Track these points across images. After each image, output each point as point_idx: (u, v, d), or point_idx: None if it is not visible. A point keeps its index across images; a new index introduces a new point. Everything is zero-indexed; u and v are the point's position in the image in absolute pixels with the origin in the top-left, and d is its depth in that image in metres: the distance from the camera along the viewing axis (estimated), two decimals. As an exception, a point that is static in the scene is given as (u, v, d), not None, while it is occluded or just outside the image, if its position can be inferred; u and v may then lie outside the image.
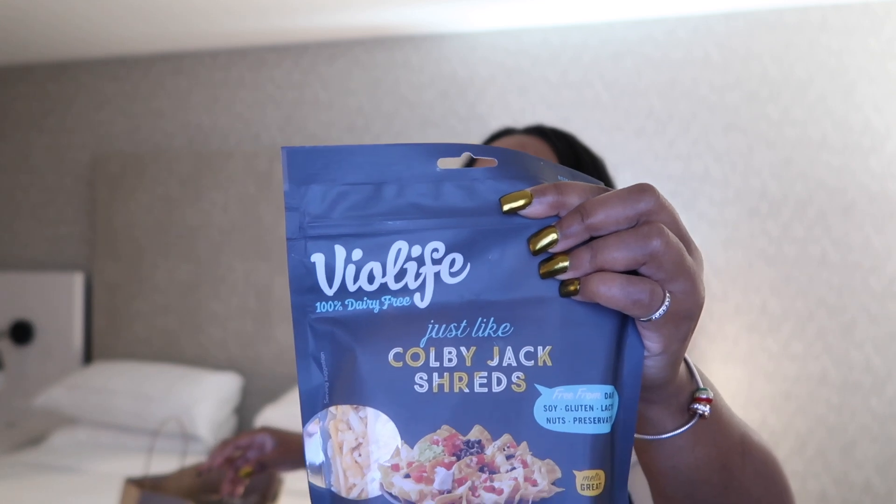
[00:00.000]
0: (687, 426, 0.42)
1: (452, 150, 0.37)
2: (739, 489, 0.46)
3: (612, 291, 0.34)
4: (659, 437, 0.43)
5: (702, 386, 0.43)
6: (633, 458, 0.65)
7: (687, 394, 0.42)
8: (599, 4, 2.46)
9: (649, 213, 0.35)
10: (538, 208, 0.35)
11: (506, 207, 0.36)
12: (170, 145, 3.06)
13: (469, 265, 0.37)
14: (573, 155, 0.83)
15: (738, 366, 2.46)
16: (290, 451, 0.97)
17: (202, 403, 2.52)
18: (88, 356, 3.10)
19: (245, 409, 2.82)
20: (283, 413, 2.38)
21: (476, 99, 2.72)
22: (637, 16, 2.55)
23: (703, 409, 0.42)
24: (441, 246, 0.36)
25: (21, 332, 3.05)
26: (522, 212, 0.36)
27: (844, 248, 2.38)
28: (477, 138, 2.69)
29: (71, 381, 2.62)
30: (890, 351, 2.34)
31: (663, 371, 0.38)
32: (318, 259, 0.37)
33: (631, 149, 2.56)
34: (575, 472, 0.36)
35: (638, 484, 0.64)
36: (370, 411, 0.36)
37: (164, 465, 2.14)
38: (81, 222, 3.15)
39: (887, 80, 2.36)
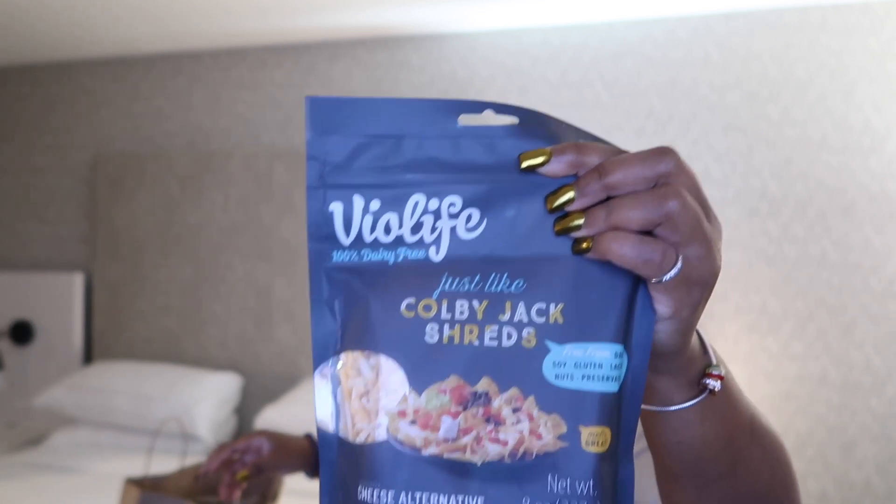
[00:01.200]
0: (695, 400, 0.42)
1: (474, 106, 0.37)
2: (746, 471, 0.45)
3: (623, 249, 0.34)
4: (666, 408, 0.42)
5: (714, 363, 0.42)
6: (637, 446, 0.65)
7: (698, 368, 0.42)
8: (599, 4, 2.46)
9: (668, 175, 0.35)
10: (557, 167, 0.36)
11: (524, 164, 0.36)
12: (170, 145, 3.06)
13: (485, 221, 0.37)
14: None
15: (738, 366, 2.46)
16: (287, 454, 0.96)
17: (202, 403, 2.52)
18: (88, 356, 3.10)
19: (245, 409, 2.82)
20: (283, 413, 2.38)
21: (476, 99, 2.72)
22: (637, 16, 2.55)
23: (714, 384, 0.41)
24: (458, 200, 0.37)
25: (21, 332, 3.05)
26: (541, 169, 0.36)
27: (844, 248, 2.38)
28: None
29: (71, 381, 2.62)
30: (890, 351, 2.34)
31: (673, 337, 0.38)
32: (337, 208, 0.37)
33: (631, 149, 2.56)
34: (581, 428, 0.36)
35: (638, 474, 0.63)
36: (380, 358, 0.37)
37: (164, 465, 2.14)
38: (81, 222, 3.15)
39: (887, 80, 2.36)
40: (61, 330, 3.03)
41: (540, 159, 0.36)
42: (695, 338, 0.42)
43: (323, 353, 0.38)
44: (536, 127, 0.37)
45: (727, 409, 0.43)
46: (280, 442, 0.97)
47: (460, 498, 0.36)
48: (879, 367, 2.34)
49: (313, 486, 2.08)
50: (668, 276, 0.35)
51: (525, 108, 0.37)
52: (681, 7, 2.47)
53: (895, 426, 2.33)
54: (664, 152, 0.35)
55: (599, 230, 0.35)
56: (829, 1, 2.39)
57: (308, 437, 1.02)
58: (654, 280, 0.35)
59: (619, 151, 0.36)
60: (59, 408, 2.58)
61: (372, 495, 0.36)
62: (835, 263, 2.39)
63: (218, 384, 2.65)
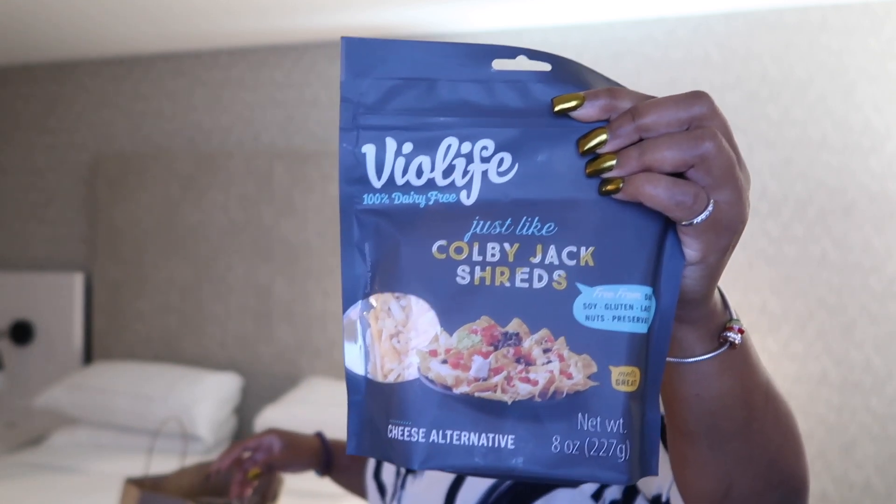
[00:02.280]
0: (717, 352, 0.42)
1: (507, 51, 0.37)
2: (760, 431, 0.45)
3: (656, 190, 0.34)
4: (687, 360, 0.42)
5: (735, 317, 0.43)
6: None
7: (719, 322, 0.42)
8: (599, 4, 2.46)
9: (703, 117, 0.35)
10: (589, 110, 0.35)
11: (557, 108, 0.36)
12: (170, 145, 3.06)
13: (517, 165, 0.37)
14: None
15: (738, 366, 2.45)
16: (298, 452, 0.97)
17: (202, 403, 2.52)
18: (88, 356, 3.10)
19: (245, 409, 2.82)
20: (283, 413, 2.38)
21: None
22: (637, 16, 2.56)
23: (735, 337, 0.42)
24: (491, 144, 0.37)
25: (21, 332, 3.05)
26: (573, 113, 0.36)
27: (844, 248, 2.38)
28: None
29: (71, 381, 2.62)
30: (890, 351, 2.34)
31: (700, 283, 0.38)
32: (369, 150, 0.37)
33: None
34: (611, 368, 0.37)
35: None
36: (412, 299, 0.37)
37: (164, 465, 2.14)
38: (81, 222, 3.16)
39: (887, 80, 2.36)
40: (61, 330, 3.03)
41: (573, 103, 0.36)
42: (716, 294, 0.42)
43: (352, 295, 0.39)
44: (569, 73, 0.37)
45: (745, 366, 0.43)
46: (291, 440, 0.97)
47: (491, 436, 0.36)
48: (879, 367, 2.34)
49: (313, 486, 2.08)
50: (698, 219, 0.35)
51: (558, 56, 0.37)
52: (681, 7, 2.47)
53: (895, 426, 2.33)
54: (698, 95, 0.35)
55: (631, 170, 0.35)
56: (829, 1, 2.39)
57: (319, 435, 1.02)
58: (684, 223, 0.35)
59: (652, 97, 0.36)
60: (59, 408, 2.58)
61: (402, 433, 0.37)
62: (835, 263, 2.39)
63: (218, 384, 2.65)
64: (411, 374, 0.37)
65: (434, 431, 0.37)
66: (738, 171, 0.35)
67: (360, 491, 1.03)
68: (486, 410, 0.37)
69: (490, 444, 0.36)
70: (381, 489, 0.92)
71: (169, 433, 2.45)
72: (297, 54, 2.91)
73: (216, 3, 2.50)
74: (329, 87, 2.88)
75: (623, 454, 0.36)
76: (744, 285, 2.46)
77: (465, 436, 0.36)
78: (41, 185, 3.22)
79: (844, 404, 2.37)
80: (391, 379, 0.38)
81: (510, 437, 0.36)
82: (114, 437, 2.58)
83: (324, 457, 0.99)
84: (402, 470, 0.85)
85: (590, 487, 0.68)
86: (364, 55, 0.37)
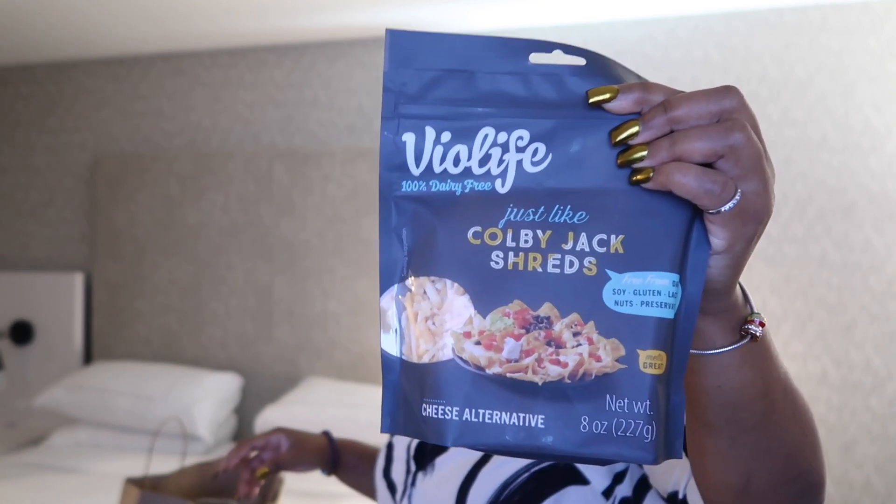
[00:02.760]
0: (738, 344, 0.43)
1: (544, 46, 0.38)
2: (778, 424, 0.46)
3: (686, 178, 0.35)
4: (709, 352, 0.43)
5: (756, 311, 0.44)
6: None
7: (740, 315, 0.43)
8: (599, 4, 2.46)
9: (733, 110, 0.36)
10: (623, 103, 0.37)
11: (592, 100, 0.37)
12: (170, 145, 3.06)
13: (551, 155, 0.38)
14: None
15: (738, 366, 2.45)
16: (305, 451, 0.96)
17: (202, 403, 2.52)
18: (88, 356, 3.10)
19: (245, 409, 2.82)
20: (283, 413, 2.38)
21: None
22: (637, 16, 2.56)
23: (756, 329, 0.43)
24: (526, 135, 0.38)
25: (21, 332, 3.05)
26: (607, 105, 0.37)
27: (844, 248, 2.38)
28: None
29: (71, 381, 2.62)
30: (890, 351, 2.34)
31: (724, 273, 0.39)
32: (409, 139, 0.39)
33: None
34: (639, 351, 0.38)
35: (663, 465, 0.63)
36: (447, 283, 0.39)
37: (164, 465, 2.14)
38: (81, 222, 3.15)
39: (887, 80, 2.36)
40: (61, 330, 3.03)
41: (607, 95, 0.37)
42: (737, 288, 0.43)
43: (389, 279, 0.40)
44: (603, 68, 0.38)
45: (765, 360, 0.44)
46: (298, 439, 0.97)
47: (522, 415, 0.38)
48: (879, 367, 2.34)
49: (314, 486, 2.08)
50: (726, 207, 0.36)
51: (592, 51, 0.38)
52: (681, 7, 2.47)
53: (895, 426, 2.33)
54: (728, 89, 0.36)
55: (662, 160, 0.36)
56: (829, 1, 2.39)
57: (326, 434, 1.02)
58: (711, 211, 0.36)
59: (682, 92, 0.37)
60: (59, 408, 2.58)
61: (436, 411, 0.38)
62: (835, 263, 2.39)
63: (218, 384, 2.65)
64: (445, 354, 0.39)
65: (467, 410, 0.38)
66: (765, 163, 0.36)
67: (368, 490, 1.02)
68: (517, 391, 0.38)
69: (521, 423, 0.38)
70: (392, 487, 0.91)
71: (169, 433, 2.45)
72: (296, 54, 2.91)
73: (216, 3, 2.50)
74: (329, 87, 2.88)
75: (650, 435, 0.37)
76: (744, 285, 2.46)
77: (496, 415, 0.38)
78: (41, 185, 3.22)
79: (844, 404, 2.37)
80: (426, 360, 0.39)
81: (540, 416, 0.38)
82: (114, 437, 2.58)
83: (331, 455, 0.99)
84: (413, 468, 0.85)
85: (600, 484, 0.69)
86: (406, 47, 0.38)
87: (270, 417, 2.38)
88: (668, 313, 0.38)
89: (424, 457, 0.84)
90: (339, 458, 1.00)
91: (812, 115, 2.42)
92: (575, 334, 0.38)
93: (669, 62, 2.54)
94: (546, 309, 0.38)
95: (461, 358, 0.38)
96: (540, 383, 0.38)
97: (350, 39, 2.84)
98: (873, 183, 2.36)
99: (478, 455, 0.75)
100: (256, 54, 2.96)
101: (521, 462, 0.72)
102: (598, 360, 0.38)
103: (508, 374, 0.38)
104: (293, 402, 2.44)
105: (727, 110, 0.36)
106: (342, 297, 2.75)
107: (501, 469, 0.72)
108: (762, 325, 0.43)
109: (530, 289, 0.38)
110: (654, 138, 0.36)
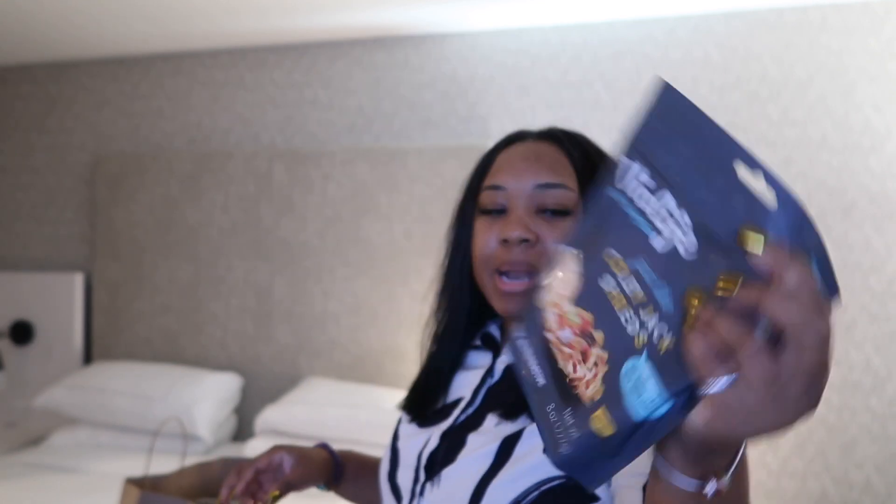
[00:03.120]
0: (697, 482, 0.45)
1: (753, 161, 0.40)
2: None
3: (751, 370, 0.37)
4: (666, 477, 0.46)
5: (730, 472, 0.45)
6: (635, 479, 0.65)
7: (712, 469, 0.44)
8: (599, 4, 2.46)
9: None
10: (765, 264, 0.37)
11: (750, 245, 0.38)
12: (170, 145, 3.06)
13: (695, 251, 0.43)
14: (587, 161, 0.81)
15: (738, 366, 2.45)
16: (310, 467, 0.93)
17: (202, 403, 2.52)
18: (88, 356, 3.10)
19: (245, 410, 2.82)
20: (283, 413, 2.38)
21: (476, 99, 2.72)
22: (637, 16, 2.55)
23: (710, 489, 0.44)
24: (689, 224, 0.42)
25: (21, 332, 3.05)
26: (752, 253, 0.37)
27: (844, 248, 2.38)
28: (477, 138, 2.69)
29: (71, 381, 2.62)
30: (890, 351, 2.34)
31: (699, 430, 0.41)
32: (633, 165, 0.48)
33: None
34: (600, 412, 0.46)
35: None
36: (576, 267, 0.54)
37: (164, 465, 2.13)
38: (81, 222, 3.15)
39: (887, 80, 2.36)
40: (61, 330, 3.03)
41: (763, 256, 0.37)
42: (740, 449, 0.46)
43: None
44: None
45: None
46: (301, 455, 0.93)
47: (536, 370, 0.54)
48: (879, 367, 2.34)
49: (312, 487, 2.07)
50: (711, 391, 0.39)
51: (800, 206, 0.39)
52: (681, 7, 2.47)
53: (895, 426, 2.33)
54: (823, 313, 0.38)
55: (745, 370, 0.37)
56: (829, 1, 2.39)
57: (325, 446, 0.98)
58: (710, 391, 0.38)
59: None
60: (58, 408, 2.58)
61: (517, 341, 0.57)
62: (834, 263, 2.38)
63: (218, 384, 2.64)
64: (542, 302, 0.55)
65: (523, 339, 0.57)
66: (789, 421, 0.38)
67: (368, 502, 1.00)
68: (551, 360, 0.52)
69: (532, 378, 0.54)
70: (396, 492, 0.88)
71: (169, 433, 2.44)
72: (296, 54, 2.91)
73: (216, 3, 2.50)
74: (328, 87, 2.88)
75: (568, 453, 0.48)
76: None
77: (536, 369, 0.54)
78: (41, 185, 3.22)
79: (844, 404, 2.37)
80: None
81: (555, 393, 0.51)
82: (114, 437, 2.58)
83: (334, 468, 0.97)
84: (421, 476, 0.83)
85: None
86: (671, 108, 0.45)
87: (270, 417, 2.37)
88: (640, 413, 0.42)
89: (434, 466, 0.82)
90: (342, 471, 0.97)
91: (812, 115, 2.42)
92: (594, 363, 0.47)
93: (669, 62, 2.54)
94: (599, 337, 0.47)
95: (545, 311, 0.55)
96: (563, 369, 0.51)
97: (350, 39, 2.84)
98: (873, 183, 2.36)
99: (483, 469, 0.74)
100: (256, 54, 2.96)
101: (532, 479, 0.71)
102: (587, 387, 0.47)
103: (551, 346, 0.52)
104: (293, 402, 2.44)
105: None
106: (342, 297, 2.75)
107: (515, 484, 0.72)
108: (718, 492, 0.44)
109: (605, 317, 0.47)
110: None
